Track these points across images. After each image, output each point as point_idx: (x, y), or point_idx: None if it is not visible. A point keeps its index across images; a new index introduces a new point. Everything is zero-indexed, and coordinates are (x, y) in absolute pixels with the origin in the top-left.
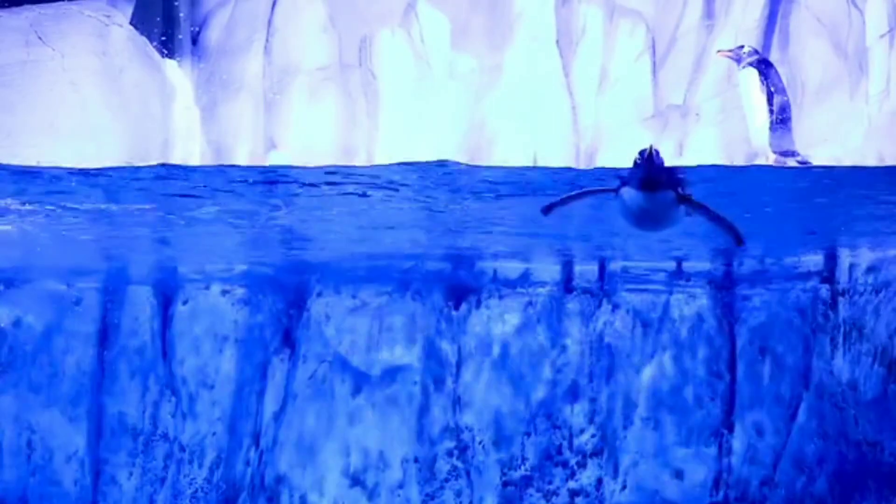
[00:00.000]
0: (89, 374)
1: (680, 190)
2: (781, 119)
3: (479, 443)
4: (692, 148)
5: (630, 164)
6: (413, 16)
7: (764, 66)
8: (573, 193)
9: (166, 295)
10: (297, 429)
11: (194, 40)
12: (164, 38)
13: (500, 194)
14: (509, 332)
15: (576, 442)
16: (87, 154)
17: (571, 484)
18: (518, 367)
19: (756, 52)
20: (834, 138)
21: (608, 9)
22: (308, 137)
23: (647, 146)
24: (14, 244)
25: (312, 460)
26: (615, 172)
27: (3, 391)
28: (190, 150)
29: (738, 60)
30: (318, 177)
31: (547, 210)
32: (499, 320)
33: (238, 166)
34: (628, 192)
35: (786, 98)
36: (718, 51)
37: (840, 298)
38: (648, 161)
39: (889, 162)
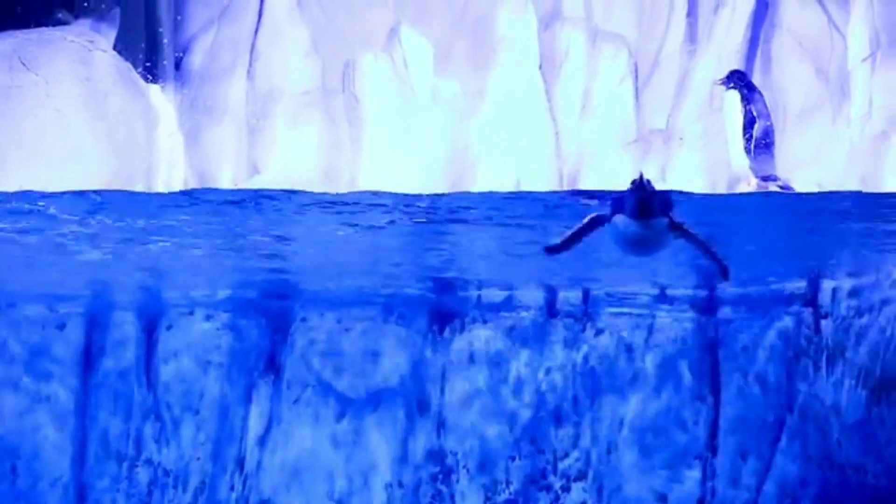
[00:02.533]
0: (73, 400)
1: (672, 216)
2: (764, 144)
3: (464, 467)
4: (675, 172)
5: (613, 189)
6: (396, 41)
7: (748, 90)
8: (572, 234)
9: (150, 320)
10: (281, 453)
11: (178, 65)
12: (147, 64)
13: (484, 220)
14: (493, 357)
15: (560, 466)
16: (71, 179)
17: None
18: (502, 391)
19: (741, 72)
20: (816, 162)
21: (591, 33)
22: (291, 162)
23: (637, 175)
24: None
25: (297, 484)
26: (598, 195)
27: None
28: (173, 175)
29: (726, 84)
30: (302, 201)
31: (550, 251)
32: (483, 344)
33: (222, 190)
34: (622, 220)
35: (769, 123)
36: (716, 82)
37: (823, 322)
38: (642, 189)
39: (871, 185)
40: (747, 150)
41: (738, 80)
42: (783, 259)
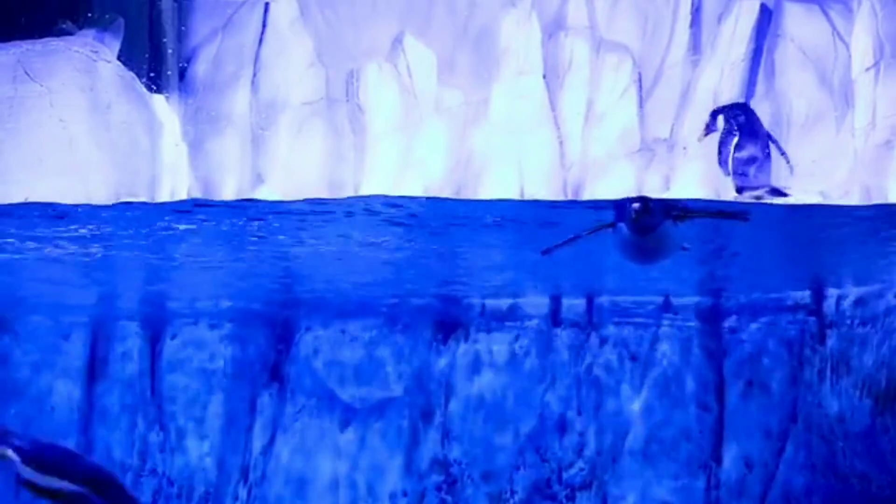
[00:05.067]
0: (77, 409)
1: (674, 213)
2: (744, 158)
3: (468, 476)
4: (679, 181)
5: (617, 197)
6: (400, 50)
7: (736, 111)
8: (571, 237)
9: (155, 330)
10: (285, 463)
11: (182, 75)
12: (151, 74)
13: (488, 229)
14: (497, 366)
15: (564, 475)
16: (75, 190)
17: None
18: (506, 401)
19: (719, 109)
20: (820, 172)
21: (594, 43)
22: (295, 172)
23: (636, 198)
24: (2, 278)
25: (301, 494)
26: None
27: None
28: (178, 185)
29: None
30: (306, 211)
31: (546, 252)
32: (487, 354)
33: (225, 200)
34: (625, 230)
35: (763, 139)
36: (700, 138)
37: (827, 331)
38: (641, 214)
39: (875, 195)
40: (722, 164)
41: (720, 111)
42: (788, 268)
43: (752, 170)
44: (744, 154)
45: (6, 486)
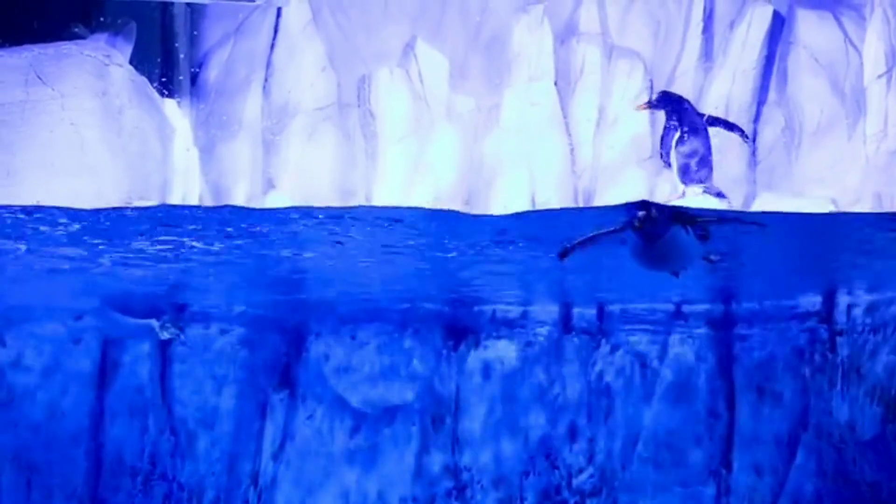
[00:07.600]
0: (88, 414)
1: (683, 219)
2: (685, 152)
3: (478, 483)
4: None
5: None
6: (412, 56)
7: (676, 103)
8: (585, 238)
9: None
10: (295, 469)
11: (193, 80)
12: (163, 78)
13: (499, 236)
14: (508, 372)
15: (574, 482)
16: (87, 194)
17: None
18: (517, 407)
19: (668, 92)
20: (831, 178)
21: (606, 49)
22: (307, 178)
23: (642, 205)
24: (13, 281)
25: (311, 500)
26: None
27: (1, 430)
28: (189, 191)
29: (654, 107)
30: (317, 216)
31: (562, 256)
32: (497, 360)
33: (236, 206)
34: (633, 237)
35: (686, 130)
36: (640, 106)
37: (838, 338)
38: (644, 223)
39: (886, 201)
40: (663, 158)
41: (666, 99)
42: (798, 275)
43: (693, 164)
44: (686, 148)
45: (14, 484)
